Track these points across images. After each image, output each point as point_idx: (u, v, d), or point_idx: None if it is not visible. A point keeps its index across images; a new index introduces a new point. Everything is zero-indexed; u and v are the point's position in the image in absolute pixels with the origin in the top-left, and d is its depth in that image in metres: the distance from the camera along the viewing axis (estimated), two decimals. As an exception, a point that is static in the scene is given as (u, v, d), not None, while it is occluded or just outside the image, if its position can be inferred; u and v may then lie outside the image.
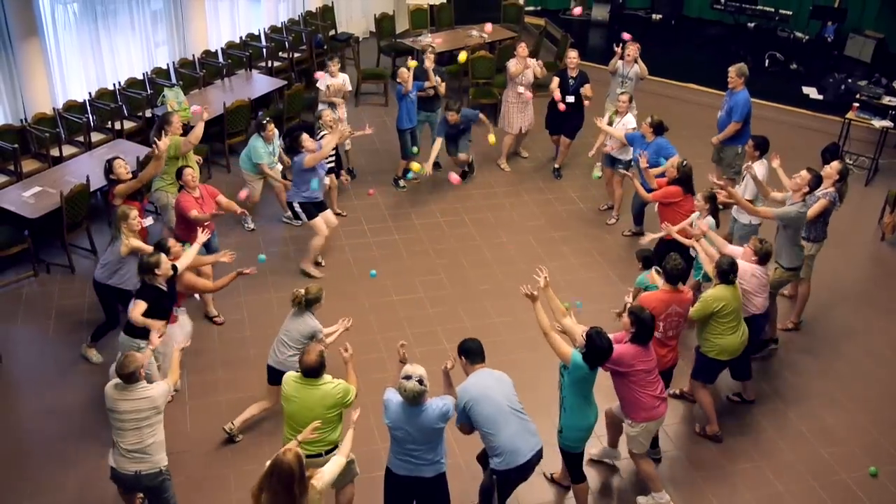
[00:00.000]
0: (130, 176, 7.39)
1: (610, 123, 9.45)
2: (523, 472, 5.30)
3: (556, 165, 10.59)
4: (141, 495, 5.75)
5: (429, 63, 9.82)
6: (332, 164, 9.24)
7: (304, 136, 8.20)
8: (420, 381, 4.96)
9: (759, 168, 7.87)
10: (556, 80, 9.96)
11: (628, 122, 9.15)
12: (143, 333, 6.11)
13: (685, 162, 7.89)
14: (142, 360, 5.23)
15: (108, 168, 7.36)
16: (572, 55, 9.95)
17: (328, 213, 8.62)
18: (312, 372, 5.26)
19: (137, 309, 6.07)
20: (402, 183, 10.18)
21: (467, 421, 5.29)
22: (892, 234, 9.48)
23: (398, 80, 9.71)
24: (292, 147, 8.38)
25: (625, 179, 9.30)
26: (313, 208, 8.34)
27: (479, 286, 8.52)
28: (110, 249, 6.88)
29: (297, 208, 8.30)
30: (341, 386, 5.34)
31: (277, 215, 9.40)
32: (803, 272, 7.64)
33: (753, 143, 7.99)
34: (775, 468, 6.54)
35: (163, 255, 6.18)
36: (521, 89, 10.19)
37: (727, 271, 6.27)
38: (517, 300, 8.21)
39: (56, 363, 7.26)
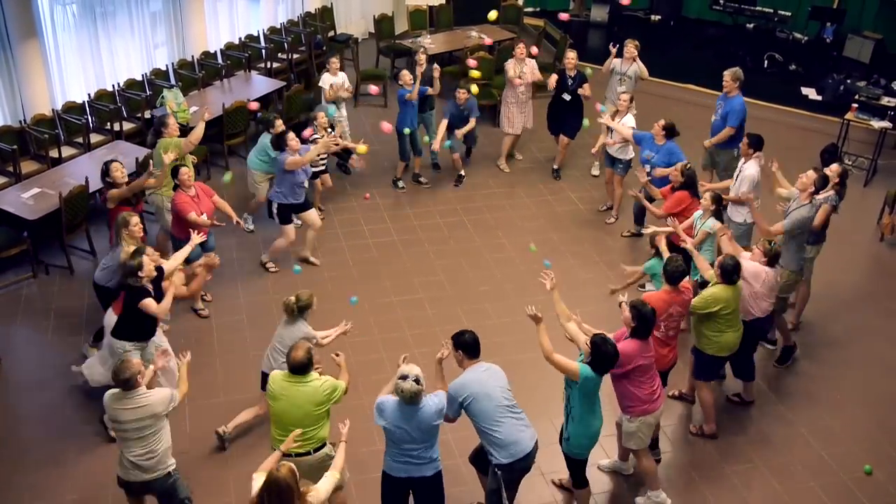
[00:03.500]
0: (126, 179, 7.39)
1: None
2: (526, 461, 5.32)
3: (556, 166, 10.60)
4: None
5: (420, 68, 9.77)
6: (324, 167, 9.28)
7: (290, 136, 8.17)
8: (416, 381, 4.99)
9: (753, 166, 7.87)
10: (554, 77, 10.02)
11: (627, 122, 9.14)
12: (131, 336, 6.20)
13: (689, 165, 7.90)
14: (138, 365, 5.16)
15: (105, 171, 7.36)
16: (571, 56, 9.96)
17: (312, 212, 8.62)
18: (300, 369, 5.24)
19: (151, 306, 6.12)
20: (400, 184, 10.19)
21: (455, 414, 5.32)
22: (891, 235, 9.48)
23: (399, 82, 9.72)
24: (278, 144, 8.34)
25: (623, 180, 9.36)
26: (290, 212, 8.37)
27: (478, 287, 8.52)
28: (111, 254, 6.90)
29: (273, 208, 8.34)
30: (329, 383, 5.32)
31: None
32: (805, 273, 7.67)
33: (748, 141, 7.97)
34: (774, 469, 6.54)
35: (145, 257, 6.15)
36: (521, 89, 10.21)
37: (731, 272, 6.26)
38: (516, 301, 8.25)
39: (55, 364, 7.26)
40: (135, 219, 6.81)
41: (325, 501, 4.70)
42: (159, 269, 6.40)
